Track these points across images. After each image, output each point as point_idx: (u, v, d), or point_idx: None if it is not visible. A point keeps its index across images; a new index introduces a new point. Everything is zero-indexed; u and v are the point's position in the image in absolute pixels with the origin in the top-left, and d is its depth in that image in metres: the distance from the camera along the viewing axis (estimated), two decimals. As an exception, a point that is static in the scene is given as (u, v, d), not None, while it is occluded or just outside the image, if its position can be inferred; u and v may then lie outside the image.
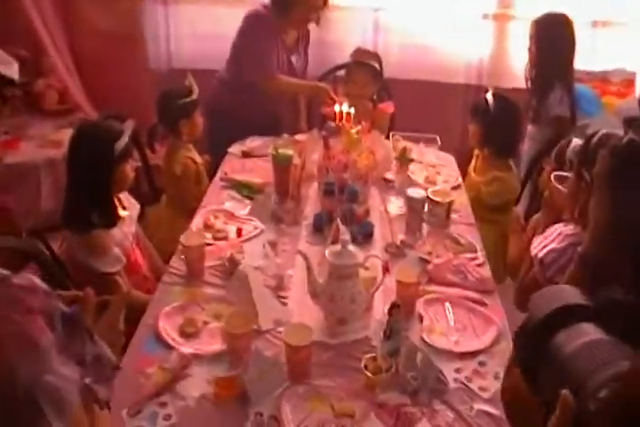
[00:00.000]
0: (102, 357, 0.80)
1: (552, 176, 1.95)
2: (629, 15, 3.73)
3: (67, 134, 3.29)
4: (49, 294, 0.76)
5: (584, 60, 3.31)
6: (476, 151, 2.89)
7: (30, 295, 0.74)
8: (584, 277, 1.40)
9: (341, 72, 3.44)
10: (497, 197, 2.74)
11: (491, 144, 2.78)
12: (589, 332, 0.77)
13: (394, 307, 1.73)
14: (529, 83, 3.31)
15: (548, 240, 1.77)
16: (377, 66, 3.20)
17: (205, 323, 1.84)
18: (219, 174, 2.75)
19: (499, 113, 2.74)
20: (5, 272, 0.76)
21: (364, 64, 3.16)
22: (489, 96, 2.77)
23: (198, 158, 2.78)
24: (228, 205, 2.49)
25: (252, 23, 3.17)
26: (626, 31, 3.76)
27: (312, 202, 2.52)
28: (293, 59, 3.36)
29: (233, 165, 2.83)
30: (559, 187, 1.88)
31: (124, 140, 2.07)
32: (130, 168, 2.16)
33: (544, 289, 0.90)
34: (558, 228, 1.79)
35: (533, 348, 0.80)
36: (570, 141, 2.10)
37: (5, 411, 0.67)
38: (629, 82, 3.69)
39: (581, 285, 1.37)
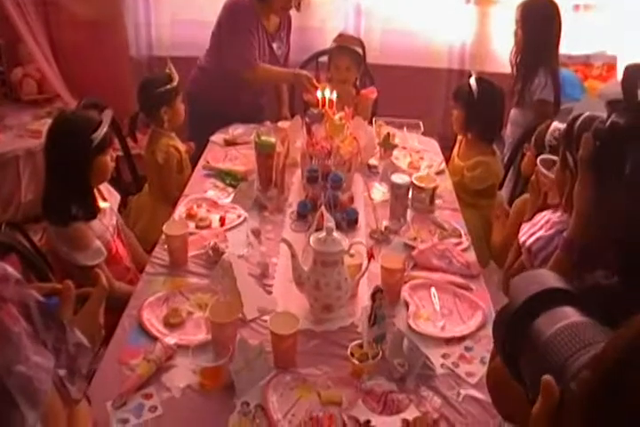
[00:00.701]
0: (82, 346, 0.78)
1: (538, 160, 1.94)
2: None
3: (45, 124, 3.26)
4: (21, 282, 0.74)
5: (566, 43, 3.30)
6: (460, 136, 2.88)
7: (2, 284, 0.72)
8: (569, 262, 1.39)
9: (324, 58, 3.41)
10: (480, 182, 2.73)
11: (474, 128, 2.77)
12: (569, 315, 0.76)
13: (377, 292, 1.72)
14: (514, 67, 3.30)
15: (536, 228, 1.75)
16: (360, 51, 3.17)
17: (190, 313, 1.82)
18: (201, 163, 2.72)
19: (481, 97, 2.72)
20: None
21: (347, 49, 3.13)
22: (472, 81, 2.76)
23: (181, 146, 2.75)
24: (211, 194, 2.47)
25: (232, 12, 3.13)
26: (606, 14, 3.75)
27: (296, 189, 2.50)
28: (275, 45, 3.32)
29: (215, 154, 2.80)
30: (545, 172, 1.87)
31: (102, 130, 2.03)
32: (109, 159, 2.12)
33: (523, 274, 0.89)
34: (546, 214, 1.78)
35: (513, 333, 0.79)
36: (549, 125, 2.10)
37: None
38: (611, 65, 3.69)
39: (566, 270, 1.37)
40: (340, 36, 3.23)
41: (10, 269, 0.74)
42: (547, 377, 0.68)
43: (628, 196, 1.12)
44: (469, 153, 2.79)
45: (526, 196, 2.14)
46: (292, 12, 3.36)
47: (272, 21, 3.28)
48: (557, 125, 2.08)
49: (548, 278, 0.85)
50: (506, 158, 2.98)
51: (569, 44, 3.38)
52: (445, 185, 2.59)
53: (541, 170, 1.90)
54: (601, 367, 0.60)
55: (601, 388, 0.59)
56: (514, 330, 0.80)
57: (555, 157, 1.81)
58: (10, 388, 0.66)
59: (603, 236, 1.25)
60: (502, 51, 3.55)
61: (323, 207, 2.01)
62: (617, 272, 1.09)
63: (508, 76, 3.29)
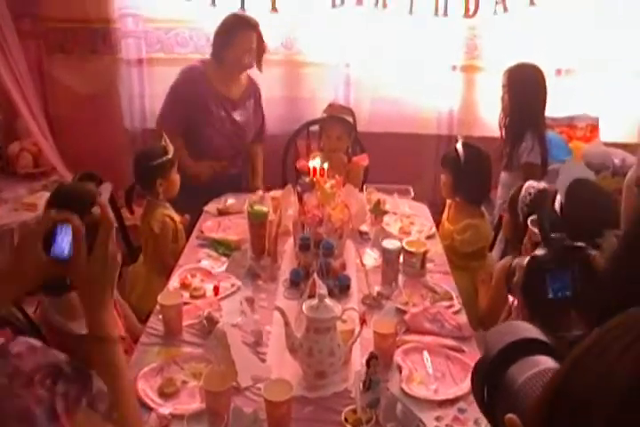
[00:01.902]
0: (101, 393, 0.92)
1: (529, 221, 2.04)
2: (589, 63, 3.95)
3: (41, 197, 3.39)
4: (47, 349, 0.87)
5: (549, 106, 3.47)
6: (449, 201, 3.00)
7: (29, 359, 0.84)
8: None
9: (315, 127, 3.56)
10: (470, 245, 2.83)
11: (461, 192, 2.89)
12: (542, 362, 0.81)
13: (372, 358, 1.78)
14: (502, 130, 3.46)
15: None
16: (350, 119, 3.33)
17: (184, 382, 1.87)
18: (195, 233, 2.82)
19: (468, 162, 2.85)
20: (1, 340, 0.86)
21: (338, 118, 3.28)
22: (459, 146, 2.89)
23: (176, 216, 2.85)
24: (205, 264, 2.55)
25: (180, 77, 3.32)
26: (586, 78, 3.97)
27: (288, 257, 2.59)
28: (236, 113, 3.45)
29: (209, 224, 2.90)
30: (535, 231, 1.96)
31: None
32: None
33: (499, 325, 0.95)
34: None
35: (489, 383, 0.84)
36: (521, 188, 2.21)
37: None
38: (594, 126, 3.87)
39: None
40: (331, 106, 3.39)
41: (32, 341, 0.85)
42: (510, 415, 0.71)
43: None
44: (458, 217, 2.90)
45: (508, 259, 2.22)
46: (283, 84, 3.53)
47: (234, 88, 3.43)
48: (532, 183, 2.20)
49: (523, 329, 0.91)
50: (496, 220, 3.08)
51: (552, 107, 3.55)
52: (436, 249, 2.68)
53: (533, 230, 1.98)
54: (537, 410, 0.66)
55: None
56: (490, 380, 0.84)
57: None
58: None
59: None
60: (489, 115, 3.73)
61: (315, 275, 2.10)
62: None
63: (496, 139, 3.44)
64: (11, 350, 0.87)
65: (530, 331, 0.90)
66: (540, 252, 1.37)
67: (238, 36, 3.30)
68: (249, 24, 3.34)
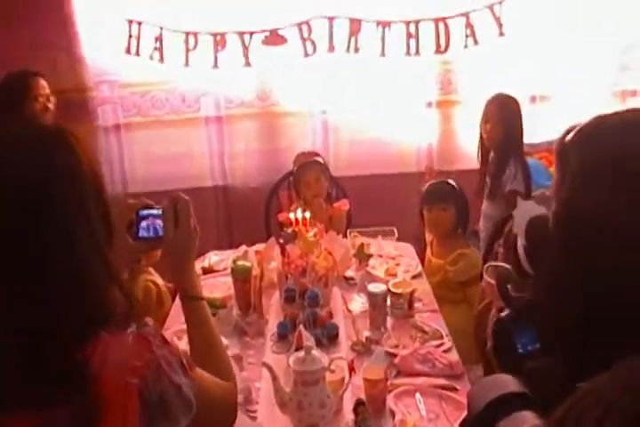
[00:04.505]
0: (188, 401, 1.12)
1: (484, 268, 2.05)
2: (563, 88, 4.12)
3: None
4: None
5: (527, 133, 3.58)
6: (429, 237, 3.08)
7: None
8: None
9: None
10: (465, 274, 2.93)
11: (462, 225, 3.05)
12: (526, 419, 0.84)
13: (358, 405, 1.82)
14: (480, 161, 3.56)
15: None
16: (320, 160, 3.44)
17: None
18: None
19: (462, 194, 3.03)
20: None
21: (309, 163, 3.39)
22: (449, 180, 3.06)
23: (160, 280, 2.91)
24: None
25: None
26: (561, 103, 4.11)
27: (275, 311, 2.63)
28: None
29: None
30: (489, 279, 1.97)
31: None
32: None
33: (481, 381, 0.99)
34: None
35: None
36: (506, 221, 2.26)
37: None
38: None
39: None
40: (298, 156, 3.51)
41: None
42: None
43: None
44: (446, 250, 3.02)
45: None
46: (262, 136, 3.65)
47: None
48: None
49: (506, 384, 0.95)
50: (482, 253, 3.14)
51: (530, 134, 3.65)
52: (423, 287, 2.73)
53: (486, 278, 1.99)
54: None
55: None
56: None
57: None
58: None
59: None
60: (469, 148, 3.83)
61: (301, 326, 2.15)
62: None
63: (477, 172, 3.53)
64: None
65: (511, 384, 0.93)
66: (502, 314, 1.42)
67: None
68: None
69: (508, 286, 1.42)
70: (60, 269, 1.03)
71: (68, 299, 1.02)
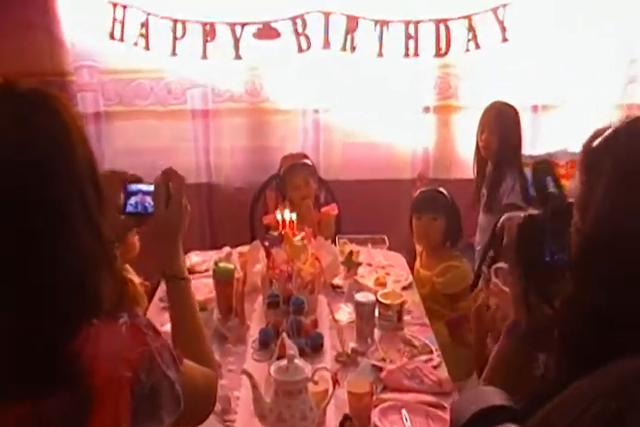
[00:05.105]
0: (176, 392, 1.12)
1: (492, 270, 2.08)
2: (565, 98, 4.13)
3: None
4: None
5: (527, 144, 3.60)
6: (419, 248, 3.09)
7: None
8: (513, 349, 1.53)
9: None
10: (452, 286, 2.94)
11: (453, 236, 3.05)
12: None
13: (345, 420, 1.82)
14: (476, 171, 3.57)
15: None
16: (308, 162, 3.45)
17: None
18: (157, 295, 2.85)
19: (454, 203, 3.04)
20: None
21: (298, 165, 3.40)
22: (441, 189, 3.08)
23: (136, 278, 2.89)
24: (169, 328, 2.57)
25: None
26: (564, 113, 4.14)
27: (258, 317, 2.63)
28: None
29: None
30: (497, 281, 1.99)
31: None
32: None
33: (466, 393, 1.00)
34: None
35: None
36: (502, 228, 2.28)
37: None
38: (574, 163, 3.96)
39: (511, 358, 1.50)
40: (285, 158, 3.51)
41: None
42: None
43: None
44: (434, 261, 3.03)
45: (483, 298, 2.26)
46: (251, 133, 3.65)
47: None
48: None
49: (488, 396, 0.96)
50: (476, 266, 3.15)
51: (530, 144, 3.68)
52: (413, 299, 2.74)
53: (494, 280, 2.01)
54: None
55: None
56: None
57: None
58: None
59: (541, 320, 1.39)
60: (466, 156, 3.85)
61: (284, 334, 2.14)
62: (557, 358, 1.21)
63: (472, 181, 3.55)
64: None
65: (494, 396, 0.95)
66: (535, 211, 1.41)
67: None
68: None
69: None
70: (47, 246, 0.99)
71: (56, 281, 0.99)
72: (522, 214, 1.53)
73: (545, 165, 3.63)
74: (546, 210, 1.44)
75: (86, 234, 1.04)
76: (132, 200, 1.49)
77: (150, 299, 2.87)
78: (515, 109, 3.52)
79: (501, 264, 2.10)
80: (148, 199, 1.47)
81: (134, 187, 1.50)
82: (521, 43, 4.02)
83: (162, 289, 2.90)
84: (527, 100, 4.09)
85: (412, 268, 3.13)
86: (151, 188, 1.46)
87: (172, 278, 1.48)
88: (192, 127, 4.21)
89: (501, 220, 2.34)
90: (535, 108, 4.17)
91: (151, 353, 1.06)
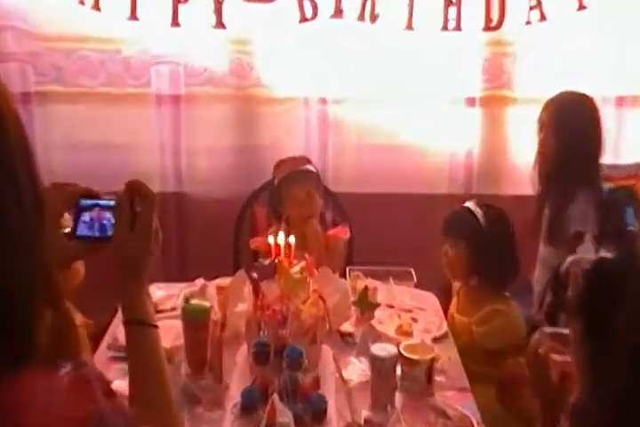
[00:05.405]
0: None
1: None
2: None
3: None
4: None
5: (607, 150, 3.57)
6: (457, 286, 3.09)
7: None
8: None
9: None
10: (498, 339, 2.92)
11: (482, 271, 2.99)
12: None
13: None
14: (538, 186, 3.56)
15: None
16: (312, 168, 3.43)
17: None
18: (106, 341, 2.85)
19: (490, 228, 2.96)
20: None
21: (298, 173, 3.41)
22: (472, 206, 3.01)
23: (78, 316, 2.88)
24: (119, 385, 2.58)
25: None
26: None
27: (240, 372, 2.61)
28: None
29: (127, 327, 2.94)
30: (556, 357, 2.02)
31: None
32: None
33: None
34: None
35: None
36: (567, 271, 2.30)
37: None
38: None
39: None
40: (280, 163, 3.47)
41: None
42: None
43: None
44: (475, 305, 3.02)
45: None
46: (239, 130, 3.66)
47: None
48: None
49: None
50: (535, 310, 3.16)
51: (611, 152, 3.66)
52: (449, 355, 2.74)
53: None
54: None
55: None
56: None
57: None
58: None
59: (600, 398, 1.42)
60: (521, 166, 3.85)
61: (275, 396, 2.16)
62: None
63: (528, 198, 3.56)
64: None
65: None
66: (608, 254, 1.44)
67: None
68: None
69: None
70: None
71: None
72: (591, 257, 1.56)
73: (626, 191, 3.59)
74: (620, 254, 1.47)
75: (19, 242, 1.00)
76: (86, 217, 1.49)
77: (96, 345, 2.87)
78: (591, 102, 3.49)
79: (549, 329, 2.13)
80: (108, 217, 1.48)
81: (89, 202, 1.49)
82: (604, 12, 4.00)
83: (112, 333, 2.92)
84: (610, 89, 4.09)
85: (446, 312, 3.14)
86: (111, 203, 1.47)
87: (134, 324, 1.50)
88: (157, 117, 4.18)
89: (566, 262, 2.37)
90: (620, 101, 4.14)
91: (101, 414, 1.03)
